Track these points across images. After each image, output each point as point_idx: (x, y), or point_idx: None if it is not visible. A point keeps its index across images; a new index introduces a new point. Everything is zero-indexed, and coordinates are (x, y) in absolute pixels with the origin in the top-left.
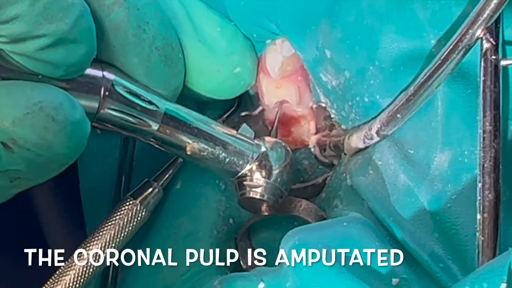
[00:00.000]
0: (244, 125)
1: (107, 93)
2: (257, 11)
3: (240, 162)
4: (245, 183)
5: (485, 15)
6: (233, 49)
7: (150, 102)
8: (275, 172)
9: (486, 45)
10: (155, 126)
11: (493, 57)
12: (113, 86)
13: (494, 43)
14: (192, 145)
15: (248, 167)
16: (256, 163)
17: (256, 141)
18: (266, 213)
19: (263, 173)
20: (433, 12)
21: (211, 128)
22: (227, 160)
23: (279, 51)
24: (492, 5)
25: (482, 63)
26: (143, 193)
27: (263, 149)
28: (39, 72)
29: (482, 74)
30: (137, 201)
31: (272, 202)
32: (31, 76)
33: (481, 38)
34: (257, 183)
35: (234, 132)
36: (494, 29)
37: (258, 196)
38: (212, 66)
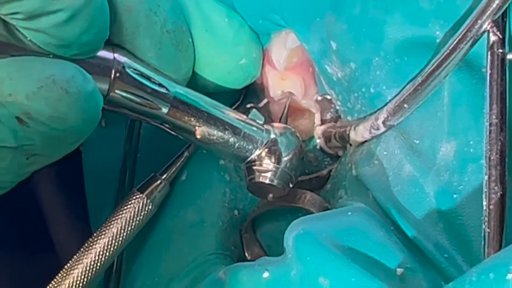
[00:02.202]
0: (254, 110)
1: (117, 74)
2: (263, 3)
3: (250, 147)
4: (254, 168)
5: (492, 8)
6: (239, 40)
7: (160, 85)
8: (284, 158)
9: (492, 38)
10: (165, 109)
11: (500, 50)
12: (123, 68)
13: (500, 36)
14: (201, 128)
15: (257, 152)
16: (266, 149)
17: (266, 127)
18: (274, 199)
19: (273, 159)
20: (439, 3)
21: (221, 113)
22: (237, 144)
23: (284, 43)
24: None
25: (489, 56)
26: (149, 187)
27: (272, 135)
28: (51, 51)
29: (488, 67)
30: (144, 195)
31: (282, 187)
32: (42, 55)
33: (488, 31)
34: (267, 168)
35: (244, 117)
36: (501, 22)
37: (267, 181)
38: (218, 57)
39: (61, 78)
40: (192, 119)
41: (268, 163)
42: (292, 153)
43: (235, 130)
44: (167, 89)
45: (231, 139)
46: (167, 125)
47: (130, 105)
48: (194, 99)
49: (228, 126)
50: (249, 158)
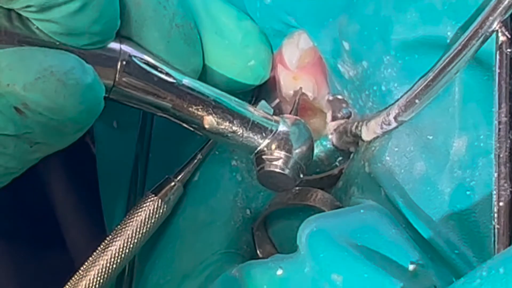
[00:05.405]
0: (263, 101)
1: (124, 62)
2: (276, 5)
3: (259, 137)
4: (264, 157)
5: (501, 8)
6: (248, 42)
7: (168, 74)
8: (296, 149)
9: (501, 38)
10: (172, 98)
11: (509, 50)
12: (130, 57)
13: (509, 36)
14: (209, 118)
15: (266, 141)
16: (276, 140)
17: (275, 118)
18: (285, 189)
19: (283, 149)
20: (451, 3)
21: (229, 102)
22: (245, 134)
23: (297, 44)
24: None
25: (498, 56)
26: (163, 189)
27: (282, 126)
28: (61, 41)
29: (497, 67)
30: (158, 198)
31: (292, 177)
32: (49, 44)
33: (497, 31)
34: (277, 156)
35: (252, 107)
36: (509, 22)
37: (278, 169)
38: (227, 58)
39: (59, 69)
40: (200, 108)
41: (279, 152)
42: (304, 144)
43: (243, 119)
44: (174, 78)
45: (240, 129)
46: (175, 115)
47: (138, 95)
48: (202, 88)
49: (236, 116)
50: (258, 148)
